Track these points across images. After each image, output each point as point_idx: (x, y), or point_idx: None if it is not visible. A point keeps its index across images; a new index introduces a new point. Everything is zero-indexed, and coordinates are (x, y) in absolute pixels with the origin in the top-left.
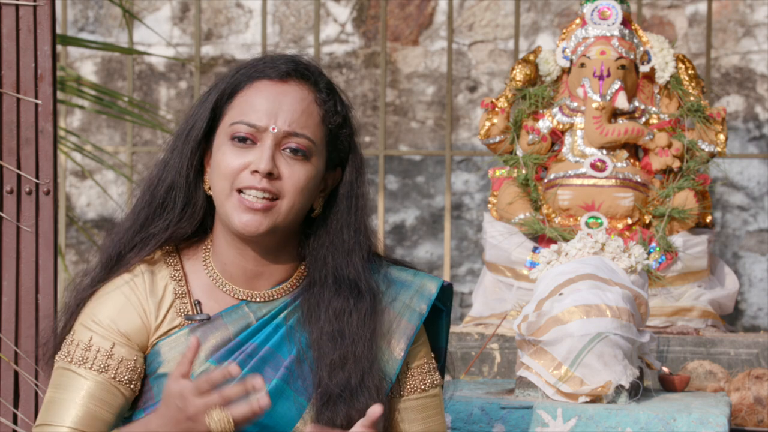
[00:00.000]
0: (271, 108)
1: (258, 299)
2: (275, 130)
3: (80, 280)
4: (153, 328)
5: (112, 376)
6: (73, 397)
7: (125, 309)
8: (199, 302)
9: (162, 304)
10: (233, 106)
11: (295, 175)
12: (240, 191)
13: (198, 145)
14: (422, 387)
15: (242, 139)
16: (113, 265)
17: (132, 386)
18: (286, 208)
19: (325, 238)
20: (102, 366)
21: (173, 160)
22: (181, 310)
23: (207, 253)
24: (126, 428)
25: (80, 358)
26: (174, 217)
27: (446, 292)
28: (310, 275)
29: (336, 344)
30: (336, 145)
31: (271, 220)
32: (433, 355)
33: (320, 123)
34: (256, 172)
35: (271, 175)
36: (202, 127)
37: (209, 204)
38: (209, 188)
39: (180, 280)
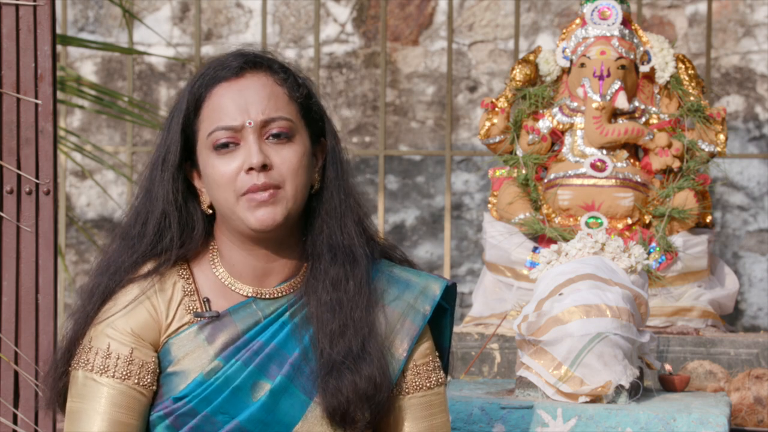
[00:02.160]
0: (239, 105)
1: (266, 296)
2: (252, 124)
3: (75, 318)
4: (164, 326)
5: (136, 381)
6: (96, 407)
7: (138, 310)
8: (207, 299)
9: (171, 302)
10: (203, 119)
11: (287, 159)
12: (245, 194)
13: (178, 170)
14: (427, 384)
15: (225, 145)
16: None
17: (153, 387)
18: (291, 191)
19: (320, 208)
20: (124, 374)
21: (156, 190)
22: (190, 308)
23: (213, 255)
24: None
25: (101, 367)
26: (175, 244)
27: (450, 292)
28: (308, 251)
29: (335, 314)
30: (311, 116)
31: (283, 207)
32: (437, 353)
33: (289, 101)
34: (251, 169)
35: (265, 167)
36: (177, 151)
37: (206, 217)
38: (209, 206)
39: (188, 278)
